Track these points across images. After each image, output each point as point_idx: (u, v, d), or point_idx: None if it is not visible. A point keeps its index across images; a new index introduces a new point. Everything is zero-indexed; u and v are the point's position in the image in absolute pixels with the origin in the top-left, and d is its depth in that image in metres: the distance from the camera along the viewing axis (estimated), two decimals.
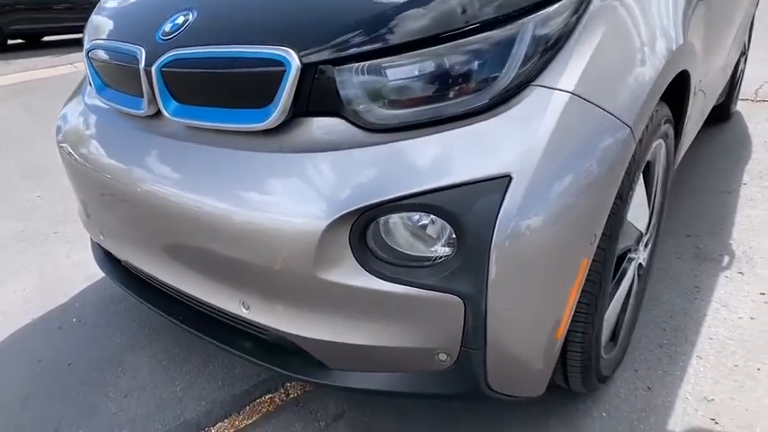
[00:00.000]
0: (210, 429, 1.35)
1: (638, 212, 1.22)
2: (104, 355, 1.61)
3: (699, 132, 3.12)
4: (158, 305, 1.32)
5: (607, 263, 1.03)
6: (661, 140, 1.27)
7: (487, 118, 0.90)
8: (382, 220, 0.91)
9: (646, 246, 1.37)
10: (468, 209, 0.86)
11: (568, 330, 1.06)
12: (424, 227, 0.91)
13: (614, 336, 1.33)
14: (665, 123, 1.23)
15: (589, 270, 1.00)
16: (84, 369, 1.56)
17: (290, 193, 0.95)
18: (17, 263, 2.15)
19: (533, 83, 0.92)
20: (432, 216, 0.89)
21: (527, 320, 0.94)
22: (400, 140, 0.92)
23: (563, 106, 0.90)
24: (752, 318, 1.61)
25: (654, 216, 1.34)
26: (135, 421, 1.37)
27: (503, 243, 0.85)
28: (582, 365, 1.11)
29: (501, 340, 0.94)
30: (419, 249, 0.92)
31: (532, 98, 0.91)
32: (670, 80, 1.10)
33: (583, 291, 1.02)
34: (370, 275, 0.92)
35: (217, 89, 1.06)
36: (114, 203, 1.25)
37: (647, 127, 1.06)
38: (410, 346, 0.97)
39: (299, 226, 0.92)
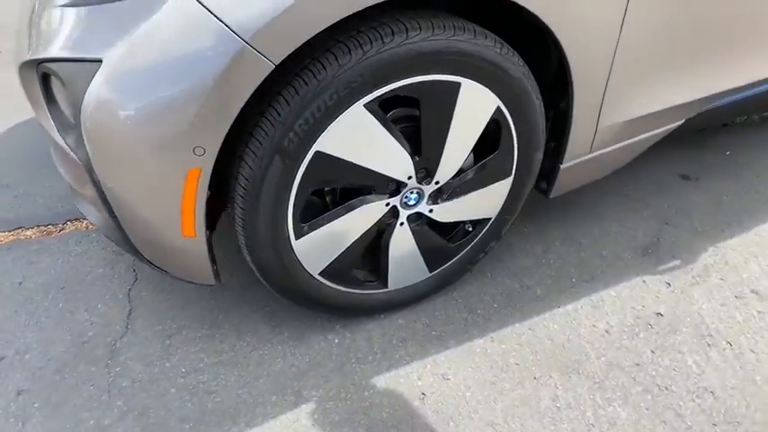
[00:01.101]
0: (60, 225, 1.67)
1: (379, 156, 1.04)
2: (32, 155, 1.96)
3: None
4: None
5: (260, 183, 0.95)
6: (464, 80, 1.02)
7: None
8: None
9: (439, 198, 1.18)
10: (68, 83, 0.90)
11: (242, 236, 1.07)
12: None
13: (376, 270, 1.25)
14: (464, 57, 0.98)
15: (238, 182, 0.97)
16: (16, 165, 1.93)
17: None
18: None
19: None
20: None
21: (137, 208, 0.97)
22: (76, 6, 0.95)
23: (173, 5, 0.83)
24: (606, 332, 1.32)
25: (445, 164, 1.13)
26: (14, 210, 1.73)
27: (86, 124, 0.89)
28: (263, 274, 1.12)
29: (124, 218, 1.01)
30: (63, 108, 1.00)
31: None
32: None
33: (235, 201, 1.00)
34: (50, 118, 1.04)
35: None
36: None
37: (333, 53, 0.90)
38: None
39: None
